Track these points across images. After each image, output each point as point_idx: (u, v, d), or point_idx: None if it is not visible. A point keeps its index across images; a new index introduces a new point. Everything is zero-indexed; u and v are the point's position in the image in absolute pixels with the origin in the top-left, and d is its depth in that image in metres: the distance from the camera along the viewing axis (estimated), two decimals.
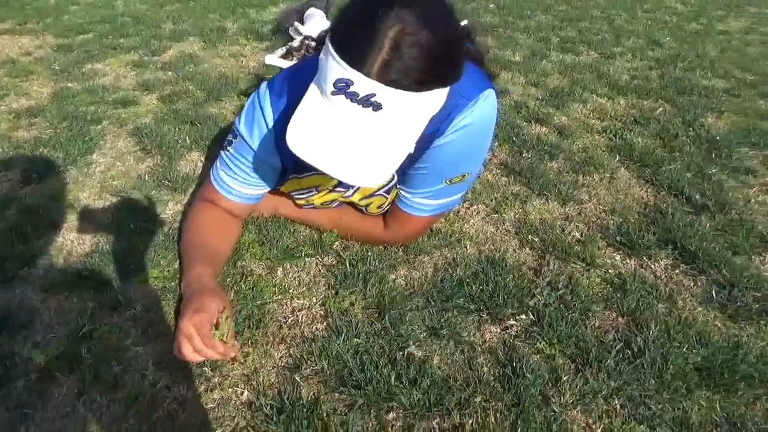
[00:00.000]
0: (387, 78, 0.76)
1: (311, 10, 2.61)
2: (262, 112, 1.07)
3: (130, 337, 1.05)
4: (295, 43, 2.17)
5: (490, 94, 1.03)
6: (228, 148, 1.16)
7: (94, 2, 3.63)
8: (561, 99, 2.25)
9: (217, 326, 0.88)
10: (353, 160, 0.82)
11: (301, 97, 0.86)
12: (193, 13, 3.40)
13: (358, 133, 0.81)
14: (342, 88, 0.78)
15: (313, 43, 1.30)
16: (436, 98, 0.84)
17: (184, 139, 1.80)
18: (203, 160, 1.70)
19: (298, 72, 1.06)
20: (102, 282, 1.18)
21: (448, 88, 0.86)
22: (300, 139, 0.84)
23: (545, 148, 1.83)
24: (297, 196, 1.27)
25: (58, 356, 1.00)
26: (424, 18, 0.78)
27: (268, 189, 1.23)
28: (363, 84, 0.77)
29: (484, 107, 1.02)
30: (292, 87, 1.02)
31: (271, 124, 1.07)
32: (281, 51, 1.87)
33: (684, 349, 1.05)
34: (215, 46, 2.82)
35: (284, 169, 1.17)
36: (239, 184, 1.18)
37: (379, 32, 0.76)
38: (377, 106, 0.78)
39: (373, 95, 0.77)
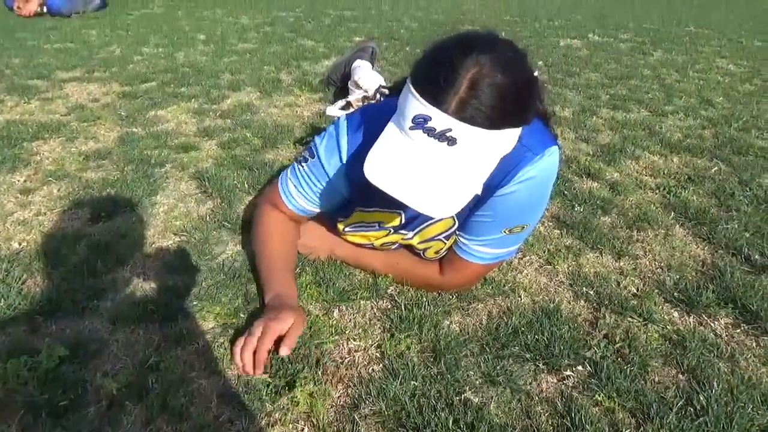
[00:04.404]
0: (463, 115, 0.82)
1: (357, 62, 2.74)
2: (338, 142, 1.15)
3: (195, 370, 1.09)
4: (352, 97, 2.27)
5: (554, 150, 1.08)
6: (303, 164, 1.24)
7: (157, 53, 3.84)
8: (612, 155, 2.26)
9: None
10: (426, 191, 0.88)
11: (377, 134, 0.93)
12: (249, 65, 3.57)
13: (433, 165, 0.87)
14: (420, 123, 0.85)
15: (387, 92, 1.39)
16: (507, 138, 0.89)
17: (243, 184, 1.88)
18: None
19: (376, 111, 1.14)
20: (166, 316, 1.22)
21: (519, 129, 0.91)
22: (377, 169, 0.90)
23: (597, 202, 1.84)
24: (358, 231, 1.31)
25: (127, 385, 1.03)
26: (500, 62, 0.85)
27: (326, 209, 1.31)
28: (440, 119, 0.83)
29: (548, 162, 1.07)
30: (369, 124, 1.09)
31: (345, 154, 1.14)
32: (341, 103, 1.97)
33: (749, 410, 1.02)
34: (271, 96, 2.94)
35: (349, 200, 1.23)
36: (304, 200, 1.28)
37: (458, 73, 0.83)
38: (452, 141, 0.84)
39: (449, 130, 0.83)
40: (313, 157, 1.21)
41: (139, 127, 2.44)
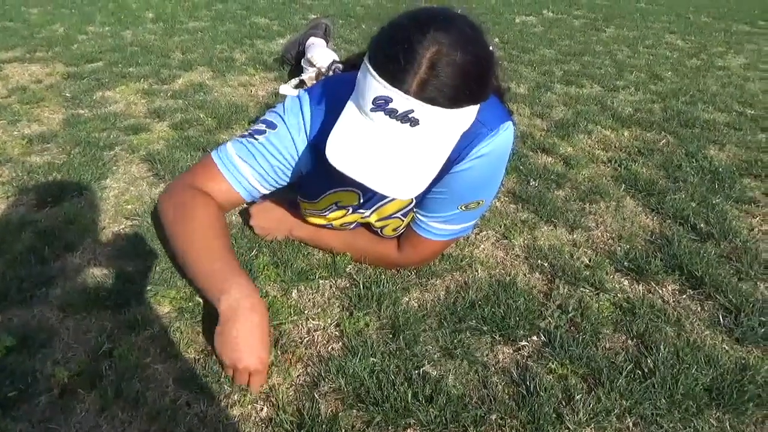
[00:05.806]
0: (424, 95, 0.82)
1: (311, 40, 2.70)
2: (302, 113, 1.10)
3: (150, 356, 1.07)
4: (306, 75, 2.24)
5: (509, 126, 1.08)
6: (257, 137, 1.12)
7: (103, 32, 3.69)
8: (566, 130, 2.30)
9: None
10: (390, 173, 0.87)
11: (338, 109, 0.91)
12: (201, 43, 3.47)
13: (396, 147, 0.86)
14: (381, 104, 0.84)
15: (341, 66, 1.36)
16: (467, 115, 0.89)
17: None
18: None
19: (336, 82, 1.11)
20: (119, 303, 1.19)
21: (478, 105, 0.91)
22: (340, 153, 0.88)
23: (552, 177, 1.87)
24: (319, 214, 1.29)
25: (80, 373, 1.01)
26: (459, 40, 0.84)
27: (272, 191, 1.21)
28: (402, 101, 0.82)
29: (503, 138, 1.07)
30: (331, 95, 1.07)
31: (309, 126, 1.10)
32: (294, 81, 1.94)
33: (693, 371, 1.06)
34: (224, 76, 2.87)
35: (306, 176, 1.19)
36: (258, 178, 1.15)
37: (417, 53, 0.82)
38: (414, 122, 0.84)
39: (411, 111, 0.83)
40: (274, 128, 1.12)
41: (85, 109, 2.35)
